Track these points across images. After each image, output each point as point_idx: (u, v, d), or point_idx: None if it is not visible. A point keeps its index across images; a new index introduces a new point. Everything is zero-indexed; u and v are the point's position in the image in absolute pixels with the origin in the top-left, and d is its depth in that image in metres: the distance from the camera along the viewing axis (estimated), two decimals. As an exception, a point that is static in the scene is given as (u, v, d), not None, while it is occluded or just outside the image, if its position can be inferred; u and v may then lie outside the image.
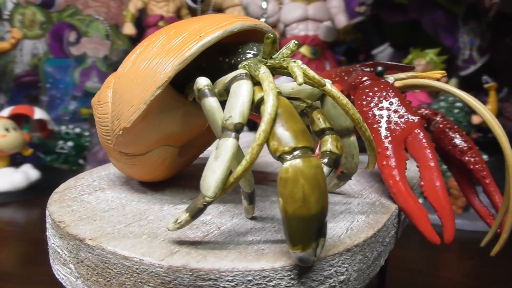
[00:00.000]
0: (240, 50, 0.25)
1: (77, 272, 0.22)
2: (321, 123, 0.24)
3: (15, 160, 0.85)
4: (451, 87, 0.35)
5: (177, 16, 1.17)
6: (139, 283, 0.19)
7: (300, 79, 0.21)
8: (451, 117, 0.89)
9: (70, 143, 1.00)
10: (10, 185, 0.81)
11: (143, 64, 0.23)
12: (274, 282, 0.20)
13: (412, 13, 1.03)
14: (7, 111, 0.83)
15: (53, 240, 0.23)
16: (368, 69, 0.39)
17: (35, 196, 0.82)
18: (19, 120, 0.85)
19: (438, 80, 0.36)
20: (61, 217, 0.23)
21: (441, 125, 0.38)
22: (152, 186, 0.29)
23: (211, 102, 0.22)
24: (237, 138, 0.20)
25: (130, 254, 0.20)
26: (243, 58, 0.24)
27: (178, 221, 0.20)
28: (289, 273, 0.20)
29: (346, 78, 0.40)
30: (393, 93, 0.31)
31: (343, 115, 0.27)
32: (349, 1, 1.09)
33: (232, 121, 0.20)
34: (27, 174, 0.83)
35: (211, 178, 0.20)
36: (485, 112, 0.33)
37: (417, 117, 0.30)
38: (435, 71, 0.37)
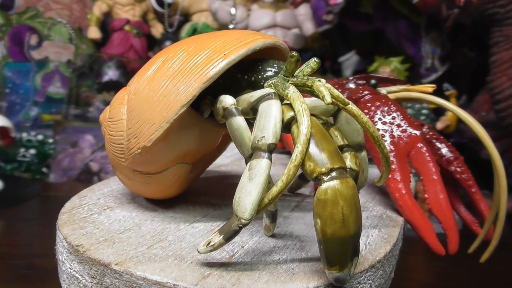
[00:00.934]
0: (260, 67, 0.25)
1: (99, 299, 0.21)
2: (339, 140, 0.24)
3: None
4: (443, 101, 0.36)
5: (144, 20, 1.14)
6: (175, 310, 0.19)
7: (329, 98, 0.21)
8: (417, 124, 0.93)
9: (32, 151, 0.96)
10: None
11: (163, 82, 0.23)
12: (310, 302, 0.20)
13: (376, 22, 1.07)
14: (-35, 118, 0.78)
15: (69, 265, 0.22)
16: (361, 82, 0.40)
17: (-4, 208, 0.77)
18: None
19: (429, 93, 0.38)
20: (77, 241, 0.22)
21: (427, 136, 0.40)
22: (161, 204, 0.28)
23: (239, 122, 0.21)
24: (270, 158, 0.20)
25: (162, 279, 0.19)
26: (264, 76, 0.24)
27: (211, 243, 0.20)
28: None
29: (339, 90, 0.40)
30: (394, 107, 0.32)
31: (356, 131, 0.27)
32: (317, 9, 1.11)
33: (266, 142, 0.20)
34: (-13, 185, 0.78)
35: (247, 200, 0.19)
36: (477, 125, 0.35)
37: (419, 131, 0.31)
38: (426, 84, 0.38)
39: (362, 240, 0.25)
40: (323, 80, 0.23)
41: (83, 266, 0.21)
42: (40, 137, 0.97)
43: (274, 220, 0.24)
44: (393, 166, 0.30)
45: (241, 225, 0.20)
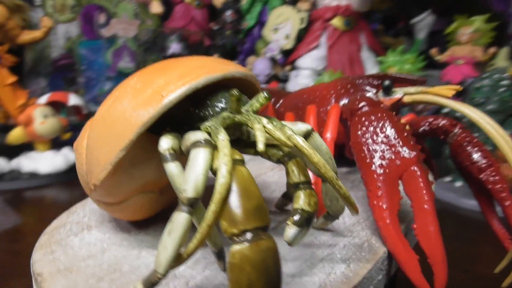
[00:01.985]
0: (208, 102, 0.24)
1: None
2: (296, 177, 0.23)
3: (55, 144, 0.89)
4: (460, 106, 0.32)
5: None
6: None
7: (261, 146, 0.20)
8: (496, 97, 0.83)
9: (107, 123, 1.04)
10: (52, 168, 0.85)
11: (110, 121, 0.23)
12: None
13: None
14: (44, 99, 0.86)
15: (34, 291, 0.24)
16: (375, 82, 0.37)
17: (75, 177, 0.86)
18: (57, 106, 0.88)
19: (449, 97, 0.33)
20: (41, 268, 0.24)
21: (459, 138, 0.35)
22: (138, 223, 0.29)
23: (171, 168, 0.21)
24: (191, 212, 0.20)
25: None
26: (210, 112, 0.23)
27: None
28: None
29: (351, 90, 0.37)
30: (390, 124, 0.29)
31: (325, 160, 0.25)
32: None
33: (186, 196, 0.20)
34: (66, 156, 0.87)
35: (163, 255, 0.19)
36: (494, 131, 0.30)
37: (414, 153, 0.28)
38: (449, 86, 0.34)
39: (319, 279, 0.24)
40: (265, 121, 0.22)
41: (39, 296, 0.23)
42: (113, 109, 1.05)
43: (220, 259, 0.24)
44: (380, 192, 0.28)
45: (157, 279, 0.20)
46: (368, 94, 0.37)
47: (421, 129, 0.40)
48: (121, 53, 1.06)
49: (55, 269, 0.24)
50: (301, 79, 1.28)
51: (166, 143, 0.22)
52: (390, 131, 0.29)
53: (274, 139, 0.21)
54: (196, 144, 0.21)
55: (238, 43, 1.31)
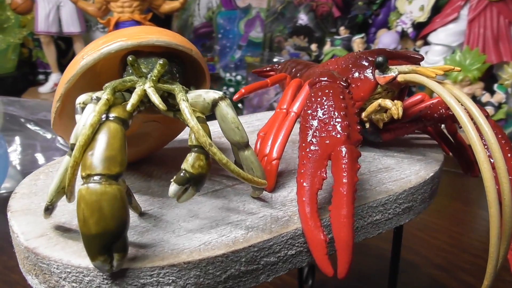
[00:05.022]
0: (127, 67, 0.27)
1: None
2: (191, 141, 0.25)
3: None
4: (440, 88, 0.28)
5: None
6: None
7: (128, 106, 0.23)
8: None
9: (231, 89, 1.13)
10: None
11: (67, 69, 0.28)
12: (88, 278, 0.24)
13: None
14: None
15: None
16: (372, 58, 0.34)
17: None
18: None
19: (433, 78, 0.29)
20: (20, 188, 0.32)
21: None
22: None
23: (77, 119, 0.25)
24: (70, 154, 0.24)
25: (16, 229, 0.26)
26: (125, 75, 0.27)
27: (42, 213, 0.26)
28: (102, 274, 0.23)
29: (350, 66, 0.35)
30: (331, 101, 0.28)
31: (231, 130, 0.27)
32: None
33: (70, 141, 0.24)
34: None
35: (50, 187, 0.24)
36: (465, 119, 0.26)
37: (345, 133, 0.26)
38: (440, 66, 0.30)
39: (208, 238, 0.25)
40: (148, 85, 0.24)
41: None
42: (238, 77, 1.13)
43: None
44: (303, 170, 0.27)
45: (46, 205, 0.25)
46: (367, 71, 0.34)
47: (437, 113, 0.36)
48: (253, 23, 1.14)
49: (28, 191, 0.31)
50: (431, 55, 1.16)
51: (80, 98, 0.26)
52: (329, 108, 0.27)
53: (151, 99, 0.24)
54: (91, 100, 0.25)
55: (371, 15, 1.25)
